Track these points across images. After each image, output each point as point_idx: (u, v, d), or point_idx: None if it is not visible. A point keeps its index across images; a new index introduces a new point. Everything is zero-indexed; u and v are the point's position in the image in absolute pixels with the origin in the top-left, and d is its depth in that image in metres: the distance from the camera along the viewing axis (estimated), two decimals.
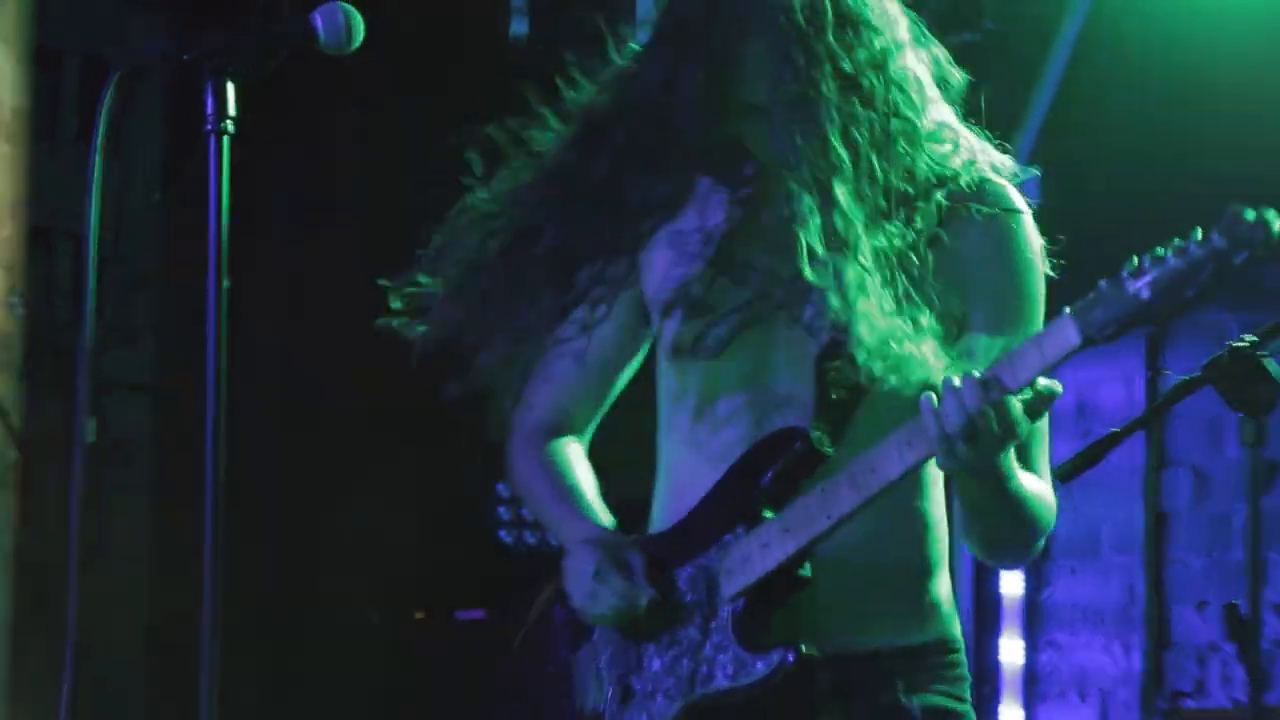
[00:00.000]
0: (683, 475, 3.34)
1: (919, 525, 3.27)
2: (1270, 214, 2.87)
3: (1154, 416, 4.43)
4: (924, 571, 3.28)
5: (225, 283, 3.02)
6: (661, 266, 3.36)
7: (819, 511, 3.11)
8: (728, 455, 3.25)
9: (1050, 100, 6.69)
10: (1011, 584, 6.83)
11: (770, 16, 3.25)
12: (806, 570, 3.16)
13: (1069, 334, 2.95)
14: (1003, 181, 3.40)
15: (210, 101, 3.08)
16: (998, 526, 3.19)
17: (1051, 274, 3.46)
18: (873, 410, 3.18)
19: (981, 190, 3.35)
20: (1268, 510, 6.25)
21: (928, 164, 3.29)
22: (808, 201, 3.19)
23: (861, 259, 3.16)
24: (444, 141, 3.50)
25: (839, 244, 3.18)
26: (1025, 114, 6.70)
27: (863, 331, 3.11)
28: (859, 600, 3.22)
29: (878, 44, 3.33)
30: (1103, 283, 2.95)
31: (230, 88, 3.09)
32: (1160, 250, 2.91)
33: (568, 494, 3.41)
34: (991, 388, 2.94)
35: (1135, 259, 2.93)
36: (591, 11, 4.59)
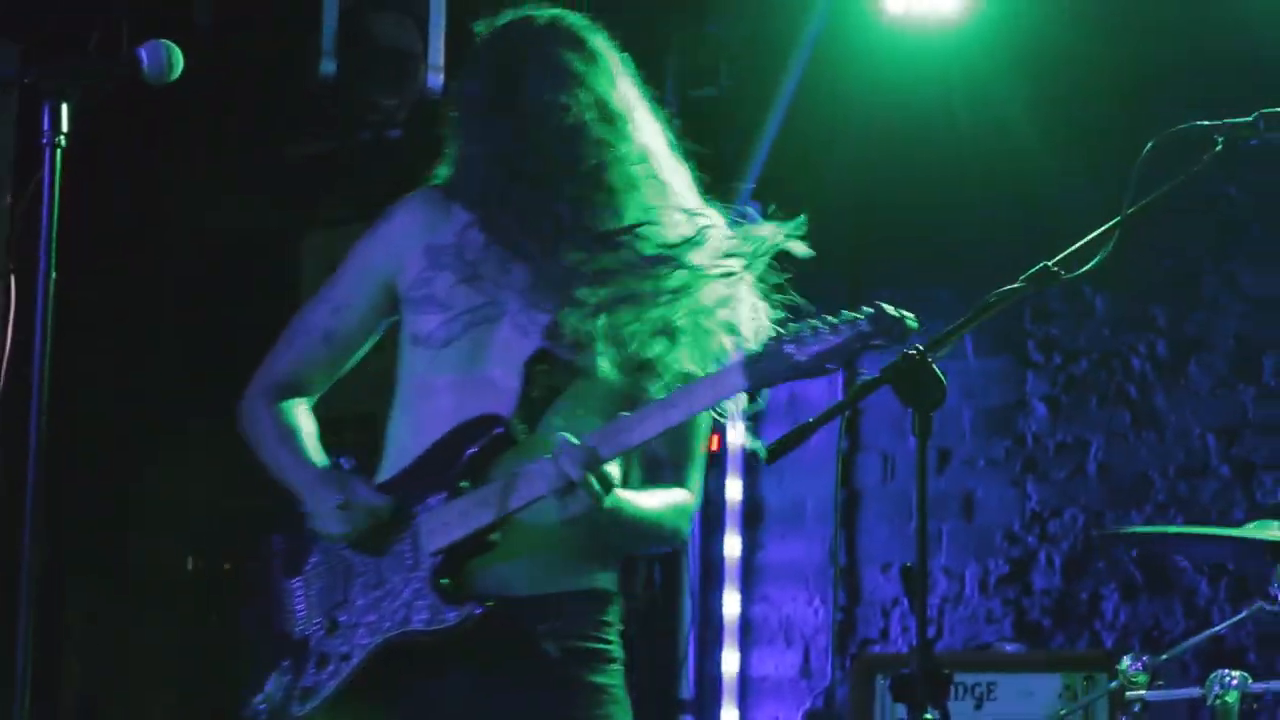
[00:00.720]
0: (402, 442, 3.39)
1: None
2: (909, 315, 3.18)
3: (843, 409, 4.47)
4: (595, 563, 3.38)
5: (53, 274, 2.99)
6: (414, 271, 3.40)
7: (506, 495, 3.20)
8: (437, 430, 3.30)
9: (772, 144, 6.75)
10: (731, 546, 6.87)
11: (536, 98, 3.39)
12: (496, 536, 3.24)
13: (738, 380, 3.16)
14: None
15: (47, 119, 3.05)
16: (619, 544, 3.39)
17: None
18: (564, 409, 3.29)
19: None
20: (937, 490, 6.41)
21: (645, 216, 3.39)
22: (545, 233, 3.33)
23: (585, 283, 3.28)
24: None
25: (568, 270, 3.30)
26: (749, 160, 6.76)
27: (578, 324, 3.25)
28: (530, 559, 3.29)
29: (619, 131, 3.44)
30: (768, 342, 3.17)
31: (65, 108, 3.05)
32: (815, 323, 3.16)
33: (298, 443, 3.43)
34: (591, 457, 3.10)
35: (795, 327, 3.18)
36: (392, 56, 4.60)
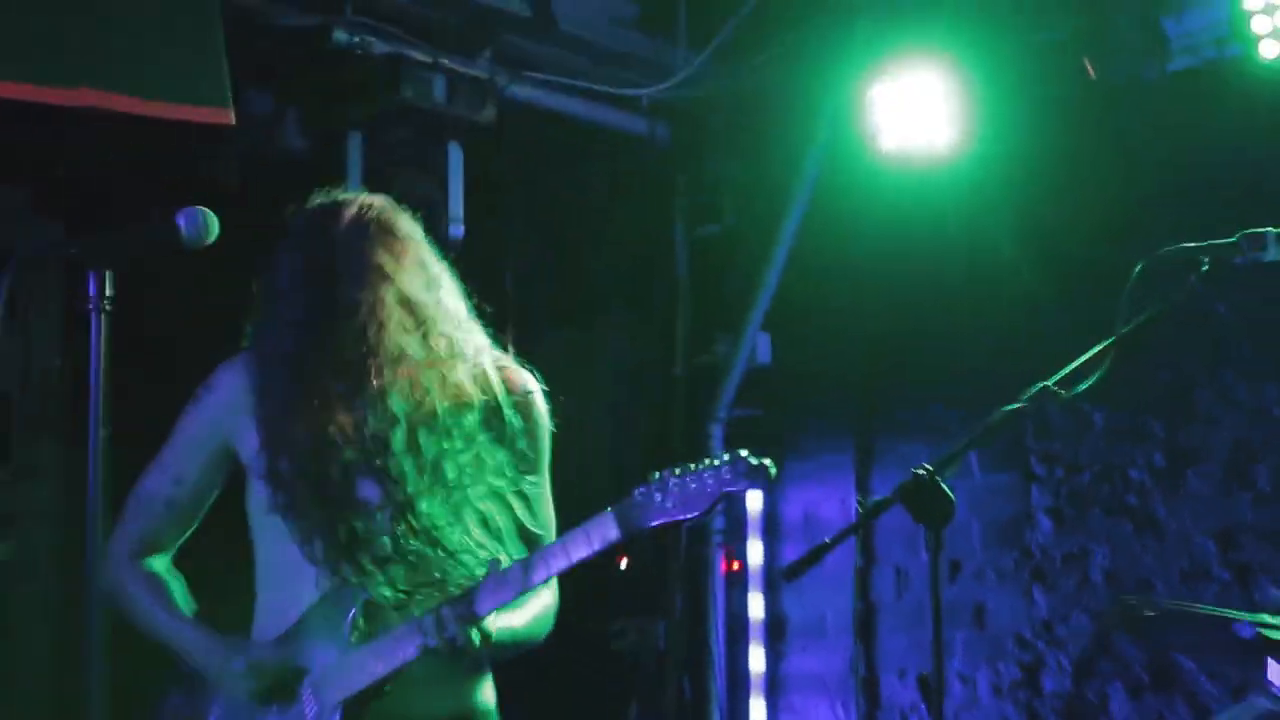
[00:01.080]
0: (285, 595, 3.46)
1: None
2: (767, 462, 3.21)
3: (857, 529, 4.44)
4: (474, 682, 3.50)
5: (105, 430, 2.98)
6: (254, 443, 3.47)
7: (395, 648, 3.31)
8: (307, 591, 3.40)
9: (778, 279, 6.75)
10: (756, 659, 6.82)
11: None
12: (389, 688, 3.35)
13: (611, 530, 3.25)
14: (514, 367, 3.65)
15: (92, 287, 3.05)
16: (499, 659, 3.49)
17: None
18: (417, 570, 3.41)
19: (507, 383, 3.59)
20: (949, 600, 6.34)
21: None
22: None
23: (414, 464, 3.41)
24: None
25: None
26: (758, 291, 6.76)
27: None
28: (419, 690, 3.38)
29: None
30: (637, 492, 3.23)
31: (108, 275, 3.05)
32: (680, 470, 3.22)
33: (175, 607, 3.52)
34: (467, 617, 3.24)
35: (659, 474, 3.24)
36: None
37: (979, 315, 6.36)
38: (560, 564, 3.29)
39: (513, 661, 3.54)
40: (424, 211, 5.75)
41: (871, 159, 6.33)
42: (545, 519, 3.57)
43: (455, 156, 5.86)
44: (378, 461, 3.41)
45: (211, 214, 3.15)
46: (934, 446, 5.12)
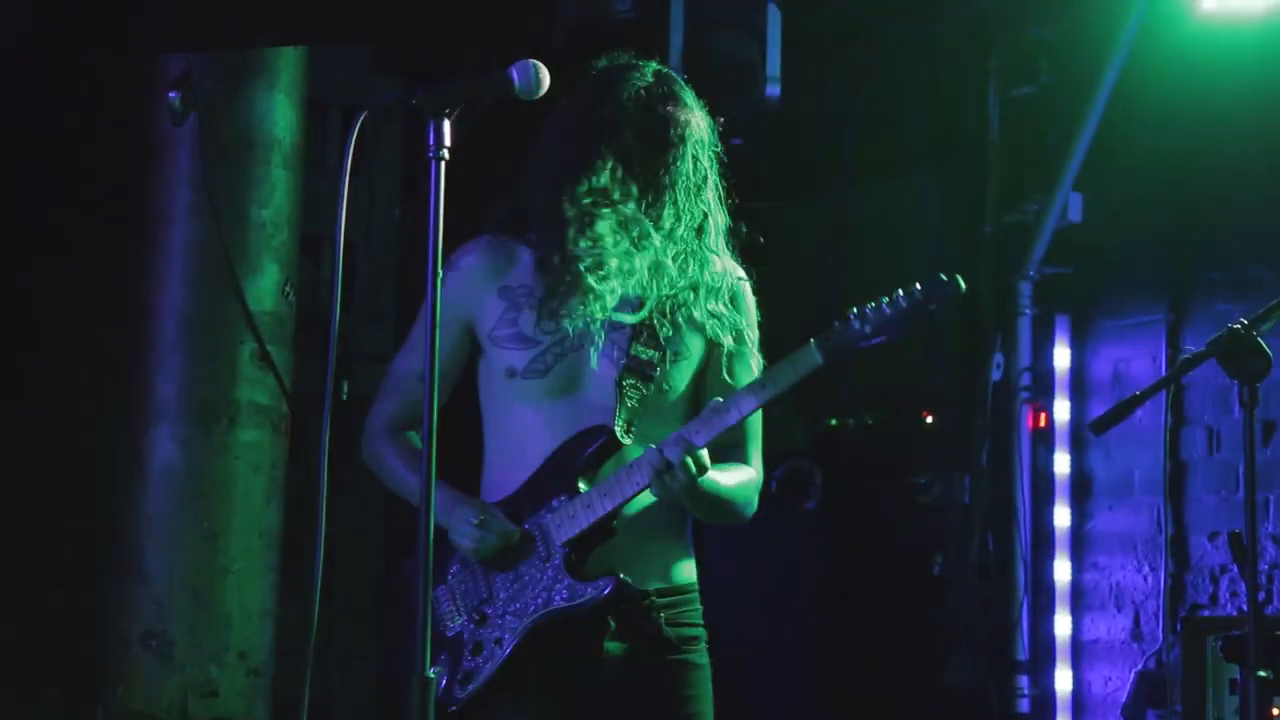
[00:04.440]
0: (513, 458, 3.56)
1: (678, 506, 3.54)
2: (958, 277, 3.36)
3: (1168, 383, 4.34)
4: (680, 537, 3.61)
5: (439, 273, 3.07)
6: (494, 315, 3.58)
7: (625, 482, 3.43)
8: (551, 443, 3.51)
9: (1090, 139, 6.60)
10: (1061, 517, 6.74)
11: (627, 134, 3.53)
12: (616, 524, 3.47)
13: (815, 357, 3.38)
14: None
15: (431, 135, 3.12)
16: (706, 515, 3.56)
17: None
18: (652, 415, 3.53)
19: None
20: (1264, 460, 6.18)
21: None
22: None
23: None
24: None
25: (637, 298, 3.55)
26: (1071, 149, 6.61)
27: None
28: (638, 555, 3.52)
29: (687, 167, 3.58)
30: (837, 322, 3.38)
31: (446, 125, 3.12)
32: (875, 302, 3.37)
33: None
34: (686, 445, 3.34)
35: (856, 308, 3.38)
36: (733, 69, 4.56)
37: None
38: (768, 394, 3.40)
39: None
40: (743, 72, 5.85)
41: (1191, 18, 6.12)
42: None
43: (774, 16, 5.83)
44: (617, 323, 3.54)
45: (543, 67, 3.20)
46: (1249, 306, 4.95)
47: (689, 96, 3.61)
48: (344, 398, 5.47)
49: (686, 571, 3.62)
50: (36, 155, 5.31)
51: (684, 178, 3.56)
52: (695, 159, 3.57)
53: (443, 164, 3.10)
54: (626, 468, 3.44)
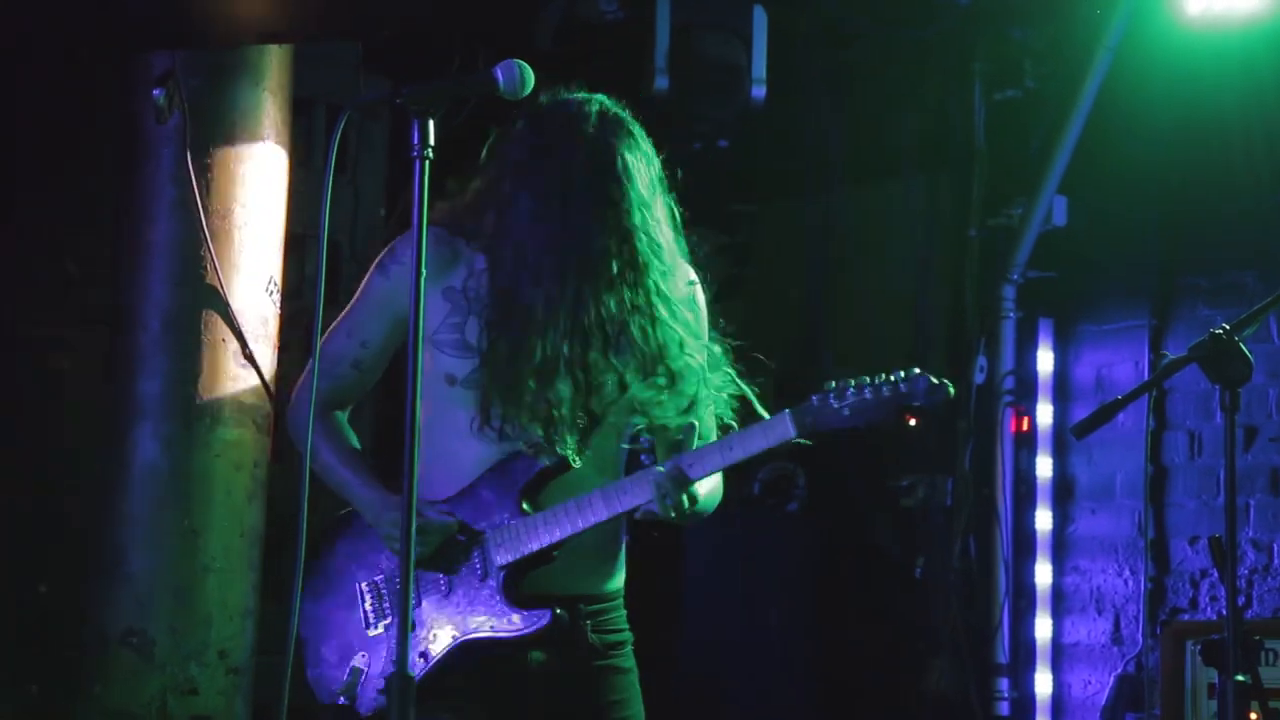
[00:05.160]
0: (447, 461, 3.51)
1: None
2: (947, 383, 3.26)
3: (1150, 387, 4.36)
4: (614, 546, 3.61)
5: (424, 272, 3.06)
6: (439, 314, 3.54)
7: (576, 516, 3.42)
8: (488, 453, 3.49)
9: (1075, 143, 6.60)
10: (1043, 520, 6.75)
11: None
12: (557, 552, 3.45)
13: (788, 429, 3.36)
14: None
15: (415, 135, 3.12)
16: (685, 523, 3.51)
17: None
18: (602, 437, 3.51)
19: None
20: (1244, 465, 6.19)
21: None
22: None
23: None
24: None
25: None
26: (1055, 154, 6.62)
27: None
28: (572, 564, 3.50)
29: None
30: (815, 398, 3.32)
31: (430, 124, 3.12)
32: (857, 381, 3.30)
33: (355, 463, 3.61)
34: (683, 480, 3.35)
35: (835, 383, 3.32)
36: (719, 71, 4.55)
37: None
38: (735, 456, 3.40)
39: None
40: (729, 74, 5.85)
41: (1176, 22, 6.13)
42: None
43: (760, 18, 5.84)
44: (576, 350, 3.48)
45: (527, 67, 3.20)
46: (1231, 311, 4.96)
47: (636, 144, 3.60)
48: None
49: (616, 579, 3.63)
50: (18, 152, 5.29)
51: (641, 231, 3.53)
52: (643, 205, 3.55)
53: (427, 163, 3.11)
54: (619, 487, 3.43)
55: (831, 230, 7.12)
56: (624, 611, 3.64)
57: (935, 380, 3.26)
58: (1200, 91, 6.23)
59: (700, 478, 3.40)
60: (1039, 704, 6.65)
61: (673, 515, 3.39)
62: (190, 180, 5.00)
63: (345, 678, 3.54)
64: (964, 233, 6.90)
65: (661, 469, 3.39)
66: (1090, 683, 6.60)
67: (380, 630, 3.54)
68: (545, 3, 5.38)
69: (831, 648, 6.67)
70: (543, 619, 3.42)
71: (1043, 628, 6.70)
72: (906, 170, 7.01)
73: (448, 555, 3.47)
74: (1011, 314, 6.77)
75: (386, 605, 3.55)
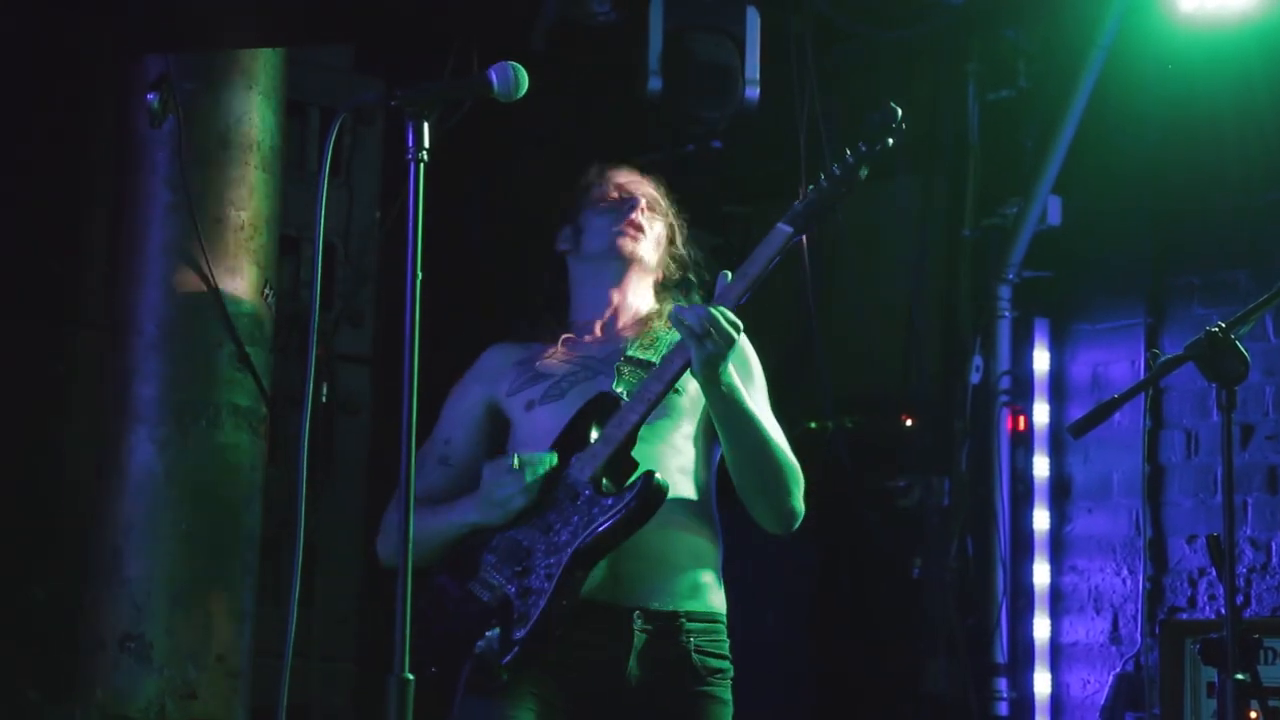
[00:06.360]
0: (530, 447, 3.65)
1: (709, 527, 3.66)
2: (891, 104, 3.46)
3: (1146, 386, 4.37)
4: (712, 563, 3.68)
5: (419, 275, 3.07)
6: (512, 378, 3.81)
7: (636, 404, 3.52)
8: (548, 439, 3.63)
9: (1069, 143, 6.61)
10: (1040, 520, 6.76)
11: None
12: (634, 451, 3.53)
13: (782, 229, 3.53)
14: None
15: (410, 137, 3.13)
16: (751, 453, 3.56)
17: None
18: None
19: None
20: (1241, 463, 6.19)
21: None
22: None
23: None
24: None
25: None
26: (1049, 153, 6.63)
27: None
28: (673, 568, 3.58)
29: None
30: (802, 192, 3.54)
31: (425, 127, 3.13)
32: (825, 170, 3.55)
33: (435, 505, 3.70)
34: (710, 315, 3.43)
35: (812, 184, 3.56)
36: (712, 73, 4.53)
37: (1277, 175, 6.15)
38: (753, 273, 3.54)
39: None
40: (722, 75, 5.86)
41: (1169, 21, 6.14)
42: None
43: (753, 19, 5.85)
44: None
45: (521, 69, 3.21)
46: (1227, 310, 4.97)
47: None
48: (323, 399, 5.47)
49: (717, 600, 3.63)
50: (10, 155, 5.28)
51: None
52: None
53: (422, 165, 3.12)
54: (643, 382, 3.54)
55: (825, 231, 7.12)
56: (727, 638, 3.64)
57: (875, 114, 3.52)
58: (1194, 90, 6.24)
59: (727, 304, 3.49)
60: (1038, 704, 6.66)
61: (710, 350, 3.41)
62: (184, 184, 5.01)
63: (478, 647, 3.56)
64: (958, 233, 6.91)
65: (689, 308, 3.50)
66: (1089, 682, 6.60)
67: (507, 590, 3.53)
68: (539, 4, 5.38)
69: (828, 649, 6.67)
70: (639, 482, 3.46)
71: (1041, 628, 6.70)
72: (900, 170, 7.01)
73: (547, 492, 3.53)
74: (1007, 314, 6.78)
75: (503, 570, 3.55)
